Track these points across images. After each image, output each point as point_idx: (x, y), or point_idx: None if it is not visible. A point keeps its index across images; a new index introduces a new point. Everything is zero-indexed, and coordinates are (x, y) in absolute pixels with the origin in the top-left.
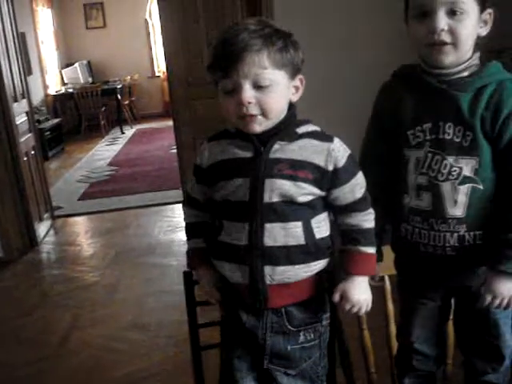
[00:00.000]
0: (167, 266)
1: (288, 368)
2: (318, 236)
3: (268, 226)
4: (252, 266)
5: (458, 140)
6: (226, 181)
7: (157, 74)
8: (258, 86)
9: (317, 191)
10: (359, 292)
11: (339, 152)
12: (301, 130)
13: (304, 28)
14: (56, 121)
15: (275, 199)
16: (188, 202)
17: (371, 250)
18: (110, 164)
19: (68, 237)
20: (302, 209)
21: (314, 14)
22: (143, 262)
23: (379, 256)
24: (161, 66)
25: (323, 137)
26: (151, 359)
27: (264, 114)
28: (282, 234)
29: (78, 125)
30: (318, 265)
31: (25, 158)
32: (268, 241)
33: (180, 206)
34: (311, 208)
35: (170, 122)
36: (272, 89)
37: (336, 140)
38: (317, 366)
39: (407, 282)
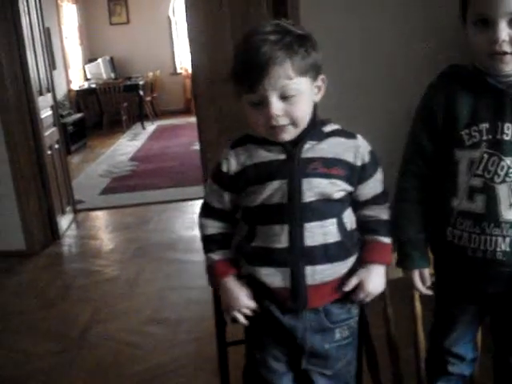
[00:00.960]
0: (188, 262)
1: (324, 368)
2: (348, 229)
3: (307, 225)
4: (294, 268)
5: None
6: (259, 185)
7: (178, 71)
8: (284, 97)
9: (348, 187)
10: (375, 281)
11: (364, 148)
12: (326, 128)
13: (330, 23)
14: (79, 115)
15: (313, 198)
16: (208, 213)
17: (388, 240)
18: (132, 159)
19: (89, 231)
20: (336, 205)
21: (342, 6)
22: (164, 257)
23: (425, 262)
24: (183, 63)
25: (348, 134)
26: (171, 354)
27: (293, 123)
28: (320, 232)
29: (100, 120)
30: (352, 259)
31: (49, 152)
32: (308, 241)
33: (201, 202)
34: (342, 204)
35: (191, 119)
36: (298, 98)
37: (359, 136)
38: (350, 366)
39: (448, 286)
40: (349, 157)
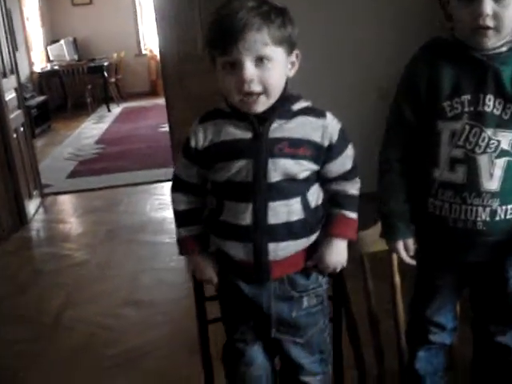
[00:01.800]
0: (159, 244)
1: (295, 336)
2: (312, 206)
3: (271, 204)
4: (256, 244)
5: (497, 113)
6: (226, 162)
7: (143, 52)
8: (258, 63)
9: (314, 166)
10: (335, 255)
11: (333, 127)
12: (295, 106)
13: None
14: (42, 98)
15: (278, 178)
16: (178, 187)
17: (353, 215)
18: (98, 142)
19: (58, 215)
20: (301, 184)
21: None
22: (135, 239)
23: (409, 232)
24: (147, 44)
25: (317, 113)
26: (147, 336)
27: (266, 91)
28: (284, 211)
29: (64, 102)
30: (316, 235)
31: (14, 135)
32: (272, 219)
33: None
34: (307, 182)
35: (158, 100)
36: (272, 65)
37: (329, 115)
38: (324, 334)
39: (430, 256)
40: (316, 136)
